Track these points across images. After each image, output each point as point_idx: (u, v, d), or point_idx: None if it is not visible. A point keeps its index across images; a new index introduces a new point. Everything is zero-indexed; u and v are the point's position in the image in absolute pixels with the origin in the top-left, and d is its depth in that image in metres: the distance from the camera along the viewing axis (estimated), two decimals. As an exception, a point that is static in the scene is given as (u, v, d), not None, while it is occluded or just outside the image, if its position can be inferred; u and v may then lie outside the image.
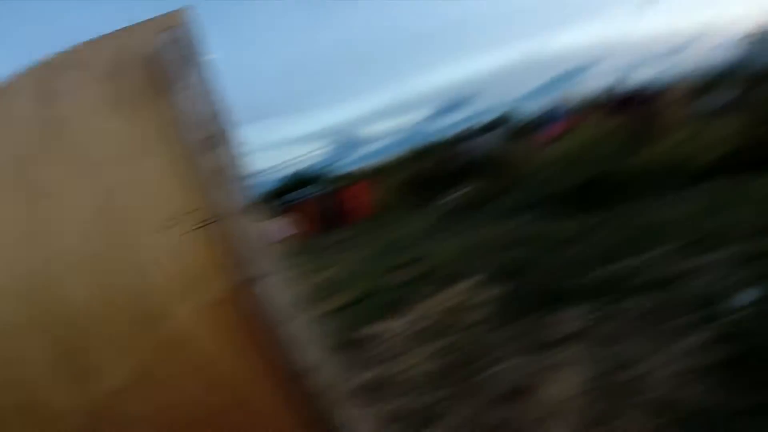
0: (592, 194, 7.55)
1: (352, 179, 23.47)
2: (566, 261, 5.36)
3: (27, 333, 1.52)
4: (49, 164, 1.51)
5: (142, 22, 1.57)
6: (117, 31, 1.58)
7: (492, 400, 3.18)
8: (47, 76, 1.54)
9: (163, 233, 1.49)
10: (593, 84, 23.51)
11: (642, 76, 18.68)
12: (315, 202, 16.00)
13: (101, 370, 1.52)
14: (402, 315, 5.31)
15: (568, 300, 4.29)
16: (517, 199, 9.03)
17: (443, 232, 9.07)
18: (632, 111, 11.61)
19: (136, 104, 1.49)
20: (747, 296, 3.59)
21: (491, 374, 3.49)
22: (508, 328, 4.15)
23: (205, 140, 1.45)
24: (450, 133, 27.32)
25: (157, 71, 1.47)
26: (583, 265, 5.04)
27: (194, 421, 1.59)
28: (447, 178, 14.24)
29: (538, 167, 10.35)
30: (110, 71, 1.52)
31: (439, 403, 3.36)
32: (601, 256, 5.18)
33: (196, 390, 1.57)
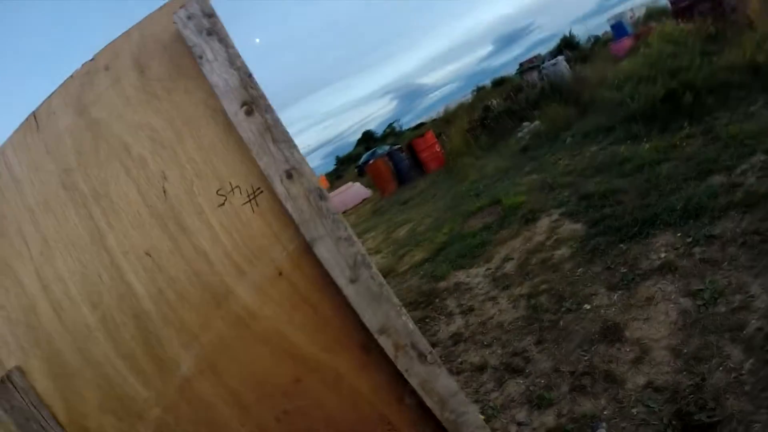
0: (672, 109, 6.81)
1: (421, 130, 23.15)
2: (651, 184, 4.87)
3: (102, 333, 1.60)
4: (95, 168, 1.54)
5: (160, 7, 1.56)
6: (137, 23, 1.57)
7: (580, 344, 3.01)
8: (79, 85, 1.56)
9: (215, 211, 1.52)
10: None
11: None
12: (388, 159, 15.89)
13: (176, 359, 1.58)
14: (484, 261, 5.18)
15: (657, 227, 3.92)
16: (593, 124, 8.40)
17: (519, 170, 8.70)
18: (704, 12, 10.19)
19: (165, 91, 1.50)
20: None
21: (578, 316, 3.30)
22: (594, 264, 3.89)
23: (241, 108, 1.43)
24: (514, 67, 26.05)
25: (180, 52, 1.47)
26: (669, 187, 4.57)
27: (267, 395, 1.62)
28: (517, 113, 13.58)
29: (611, 88, 9.54)
30: (136, 65, 1.53)
31: (526, 351, 3.24)
32: (688, 176, 4.65)
33: (267, 364, 1.60)
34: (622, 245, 3.97)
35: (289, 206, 1.45)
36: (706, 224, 3.68)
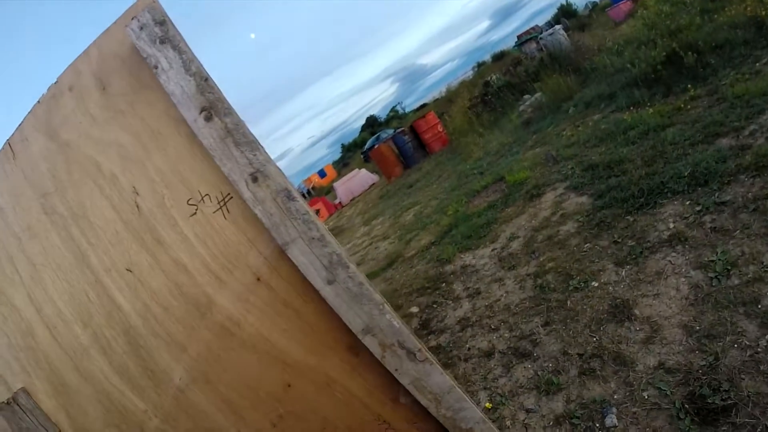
0: (674, 72, 6.54)
1: (423, 112, 22.95)
2: (657, 151, 4.61)
3: (96, 351, 1.60)
4: (71, 190, 1.55)
5: (115, 21, 1.55)
6: (95, 40, 1.56)
7: (588, 324, 2.90)
8: (47, 109, 1.57)
9: (187, 221, 1.50)
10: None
11: None
12: (391, 143, 15.76)
13: (168, 371, 1.58)
14: (490, 241, 5.08)
15: (664, 196, 3.73)
16: (595, 93, 8.16)
17: (522, 144, 8.54)
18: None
19: (129, 105, 1.50)
20: None
21: (586, 294, 3.19)
22: (601, 238, 3.76)
23: (200, 115, 1.40)
24: (513, 40, 25.67)
25: (138, 64, 1.46)
26: (676, 153, 4.31)
27: (260, 401, 1.60)
28: (517, 87, 13.34)
29: (611, 53, 9.26)
30: (98, 83, 1.53)
31: (533, 334, 3.15)
32: (695, 140, 4.40)
33: (256, 371, 1.58)
34: (629, 217, 3.77)
35: (257, 211, 1.41)
36: (716, 190, 3.45)
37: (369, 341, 1.55)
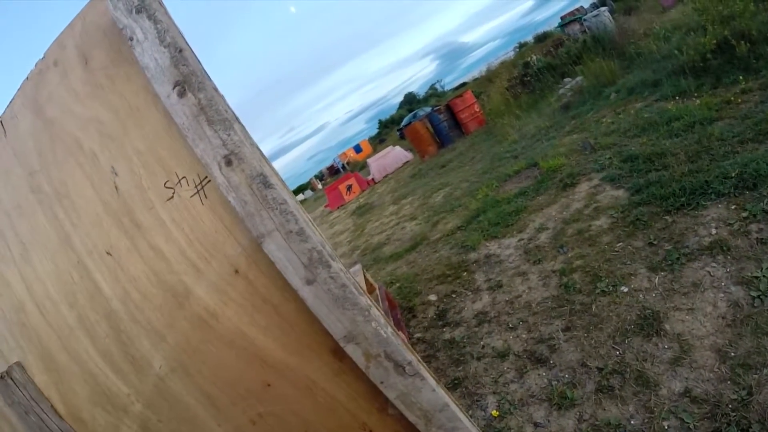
0: (725, 61, 5.98)
1: (461, 90, 22.41)
2: (702, 146, 4.18)
3: (82, 332, 1.57)
4: (55, 169, 1.49)
5: None
6: (79, 11, 1.48)
7: (612, 335, 2.62)
8: (34, 85, 1.52)
9: (164, 205, 1.42)
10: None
11: None
12: (427, 121, 15.39)
13: (148, 357, 1.52)
14: (517, 230, 4.82)
15: (708, 197, 3.36)
16: (639, 79, 7.63)
17: (559, 129, 8.12)
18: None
19: (109, 80, 1.40)
20: None
21: (613, 300, 2.91)
22: (635, 238, 3.45)
23: (173, 90, 1.27)
24: (557, 21, 24.67)
25: (118, 36, 1.36)
26: (723, 150, 3.89)
27: (240, 398, 1.52)
28: (558, 69, 12.73)
29: (658, 39, 8.63)
30: (81, 56, 1.44)
31: (552, 338, 2.90)
32: (744, 137, 3.93)
33: (235, 366, 1.49)
34: (667, 217, 3.41)
35: (231, 198, 1.28)
36: (765, 196, 3.03)
37: (352, 350, 1.39)
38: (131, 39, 1.27)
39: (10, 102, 1.55)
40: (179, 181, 1.36)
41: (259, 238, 1.28)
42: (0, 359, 1.67)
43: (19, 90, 1.53)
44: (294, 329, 1.45)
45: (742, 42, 5.73)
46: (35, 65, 1.50)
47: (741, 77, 5.32)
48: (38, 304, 1.61)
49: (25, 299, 1.62)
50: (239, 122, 1.41)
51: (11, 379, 1.61)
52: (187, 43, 1.35)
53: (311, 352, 1.48)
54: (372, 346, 1.37)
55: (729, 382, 2.05)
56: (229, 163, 1.25)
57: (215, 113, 1.25)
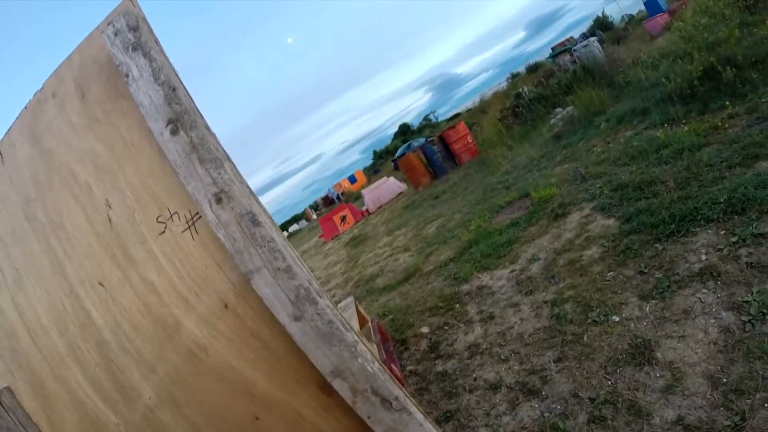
0: (712, 87, 6.09)
1: (455, 121, 22.73)
2: (691, 173, 4.21)
3: (72, 361, 1.59)
4: (50, 199, 1.54)
5: (97, 26, 1.49)
6: (78, 45, 1.53)
7: (604, 365, 2.61)
8: (32, 116, 1.56)
9: (156, 239, 1.45)
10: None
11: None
12: (420, 152, 15.54)
13: (138, 388, 1.53)
14: (509, 261, 4.83)
15: (697, 223, 3.33)
16: (628, 107, 7.76)
17: (551, 159, 8.21)
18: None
19: (105, 114, 1.46)
20: None
21: (605, 329, 2.90)
22: (626, 266, 3.46)
23: (167, 128, 1.33)
24: (548, 51, 25.28)
25: (115, 71, 1.41)
26: (711, 176, 3.92)
27: (228, 430, 1.53)
28: (549, 99, 12.96)
29: (646, 67, 8.82)
30: (78, 90, 1.50)
31: (544, 369, 2.88)
32: (732, 162, 3.97)
33: (223, 399, 1.50)
34: (657, 245, 3.40)
35: (220, 235, 1.30)
36: (754, 220, 3.05)
37: (339, 385, 1.40)
38: (127, 76, 1.32)
39: (8, 130, 1.59)
40: (171, 216, 1.40)
41: (248, 274, 1.31)
42: (-10, 383, 1.65)
43: (17, 119, 1.57)
44: (282, 363, 1.47)
45: (728, 67, 5.83)
46: (34, 95, 1.54)
47: (728, 102, 5.40)
48: (30, 330, 1.62)
49: (16, 325, 1.64)
50: (230, 160, 1.44)
51: (0, 403, 1.62)
52: (180, 81, 1.39)
53: (299, 387, 1.50)
54: (359, 381, 1.38)
55: (722, 408, 2.03)
56: (219, 200, 1.28)
57: (206, 152, 1.28)
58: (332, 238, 16.47)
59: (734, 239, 2.95)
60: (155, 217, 1.43)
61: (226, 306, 1.44)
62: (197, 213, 1.37)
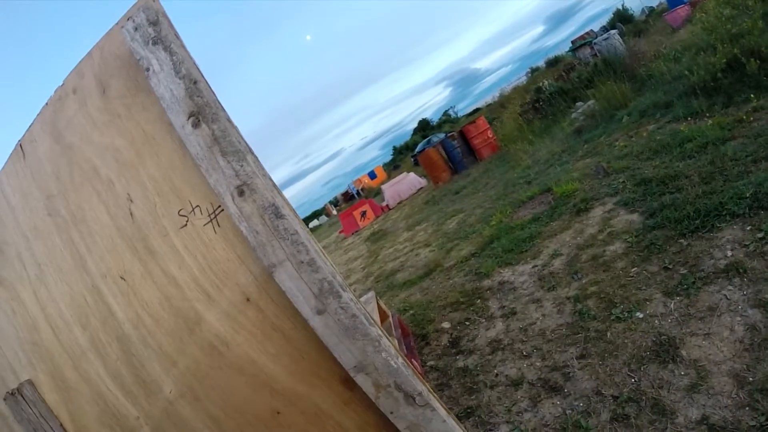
0: (736, 80, 5.90)
1: (475, 116, 22.56)
2: (716, 167, 4.12)
3: (93, 354, 1.60)
4: (72, 193, 1.54)
5: (118, 21, 1.50)
6: (98, 41, 1.53)
7: (628, 362, 2.57)
8: (53, 111, 1.57)
9: (178, 233, 1.44)
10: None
11: None
12: (440, 147, 15.47)
13: (158, 381, 1.54)
14: (531, 257, 4.79)
15: (722, 219, 3.29)
16: (650, 101, 7.61)
17: (572, 154, 8.10)
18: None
19: (126, 109, 1.46)
20: None
21: (629, 326, 2.86)
22: (650, 262, 3.41)
23: (188, 121, 1.32)
24: (568, 45, 24.90)
25: (136, 66, 1.41)
26: (737, 170, 3.83)
27: (248, 425, 1.52)
28: (570, 93, 12.77)
29: (668, 60, 8.63)
30: (99, 85, 1.50)
31: (567, 366, 2.86)
32: (758, 156, 3.87)
33: (244, 393, 1.50)
34: (682, 240, 3.36)
35: (243, 228, 1.30)
36: None
37: (362, 380, 1.38)
38: (147, 70, 1.31)
39: (30, 126, 1.59)
40: (193, 209, 1.40)
41: (271, 267, 1.29)
42: (11, 376, 1.70)
43: (38, 115, 1.58)
44: (304, 358, 1.46)
45: (752, 59, 5.68)
46: (54, 92, 1.55)
47: (752, 95, 5.27)
48: (51, 324, 1.64)
49: (38, 319, 1.65)
50: (252, 153, 1.43)
51: (22, 396, 1.65)
52: (201, 74, 1.36)
53: (321, 381, 1.49)
54: (382, 376, 1.37)
55: (747, 408, 1.99)
56: (241, 193, 1.26)
57: (228, 144, 1.27)
58: (352, 234, 16.51)
59: (760, 235, 2.88)
60: (177, 211, 1.43)
61: (248, 299, 1.44)
62: (219, 206, 1.37)
